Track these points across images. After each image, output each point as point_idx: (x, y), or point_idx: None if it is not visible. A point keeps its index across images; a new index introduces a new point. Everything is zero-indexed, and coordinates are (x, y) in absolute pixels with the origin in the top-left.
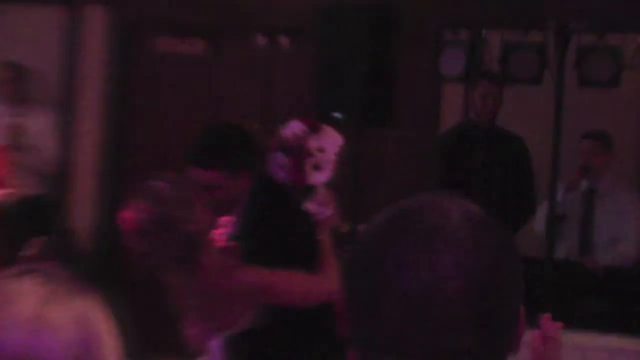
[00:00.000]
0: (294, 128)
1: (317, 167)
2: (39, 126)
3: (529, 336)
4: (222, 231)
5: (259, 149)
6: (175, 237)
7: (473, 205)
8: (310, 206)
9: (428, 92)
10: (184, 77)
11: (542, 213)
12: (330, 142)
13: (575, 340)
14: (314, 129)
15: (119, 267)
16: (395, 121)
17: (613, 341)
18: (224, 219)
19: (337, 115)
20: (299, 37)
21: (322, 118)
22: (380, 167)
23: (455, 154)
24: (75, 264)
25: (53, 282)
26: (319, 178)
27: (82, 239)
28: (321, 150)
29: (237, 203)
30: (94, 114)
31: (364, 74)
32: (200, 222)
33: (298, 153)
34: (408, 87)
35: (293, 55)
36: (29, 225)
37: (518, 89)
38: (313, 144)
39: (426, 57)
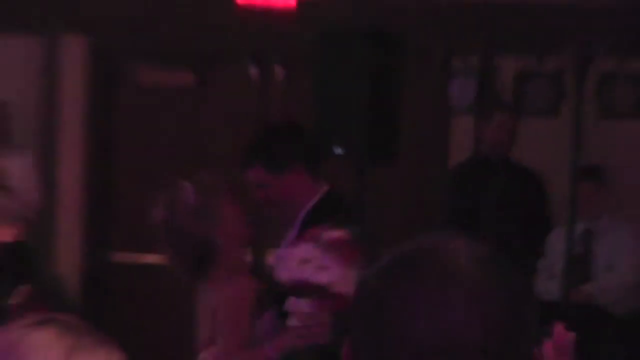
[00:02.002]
0: None
1: None
2: (19, 166)
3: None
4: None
5: (314, 146)
6: (187, 243)
7: (482, 246)
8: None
9: (435, 124)
10: (169, 110)
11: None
12: None
13: None
14: None
15: (111, 309)
16: (401, 157)
17: None
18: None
19: (338, 150)
20: (294, 66)
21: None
22: (384, 206)
23: (465, 191)
24: (65, 310)
25: (73, 332)
26: None
27: (68, 284)
28: None
29: (292, 203)
30: (76, 151)
31: (366, 106)
32: (220, 229)
33: None
34: (414, 120)
35: (288, 86)
36: (13, 273)
37: (533, 121)
38: None
39: (433, 87)
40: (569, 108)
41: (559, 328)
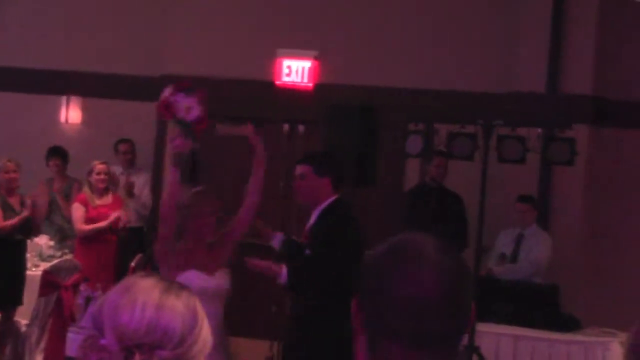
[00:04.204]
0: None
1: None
2: (140, 181)
3: None
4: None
5: (342, 169)
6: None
7: (437, 239)
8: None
9: (397, 163)
10: (234, 150)
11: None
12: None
13: (491, 330)
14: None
15: None
16: (376, 182)
17: (516, 330)
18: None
19: None
20: (311, 126)
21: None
22: (365, 212)
23: (414, 205)
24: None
25: (165, 282)
26: None
27: None
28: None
29: (317, 198)
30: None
31: (356, 151)
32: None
33: None
34: (384, 160)
35: (307, 138)
36: (133, 246)
37: (457, 163)
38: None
39: (396, 141)
40: (479, 155)
41: None
